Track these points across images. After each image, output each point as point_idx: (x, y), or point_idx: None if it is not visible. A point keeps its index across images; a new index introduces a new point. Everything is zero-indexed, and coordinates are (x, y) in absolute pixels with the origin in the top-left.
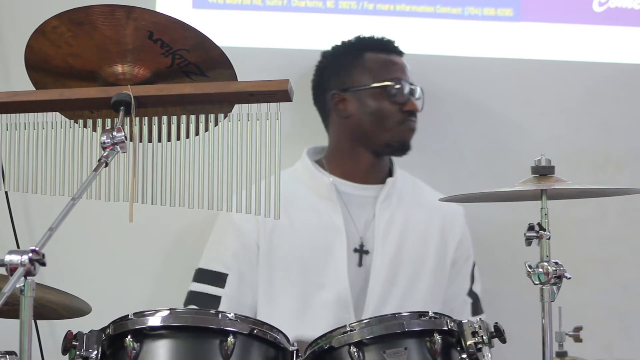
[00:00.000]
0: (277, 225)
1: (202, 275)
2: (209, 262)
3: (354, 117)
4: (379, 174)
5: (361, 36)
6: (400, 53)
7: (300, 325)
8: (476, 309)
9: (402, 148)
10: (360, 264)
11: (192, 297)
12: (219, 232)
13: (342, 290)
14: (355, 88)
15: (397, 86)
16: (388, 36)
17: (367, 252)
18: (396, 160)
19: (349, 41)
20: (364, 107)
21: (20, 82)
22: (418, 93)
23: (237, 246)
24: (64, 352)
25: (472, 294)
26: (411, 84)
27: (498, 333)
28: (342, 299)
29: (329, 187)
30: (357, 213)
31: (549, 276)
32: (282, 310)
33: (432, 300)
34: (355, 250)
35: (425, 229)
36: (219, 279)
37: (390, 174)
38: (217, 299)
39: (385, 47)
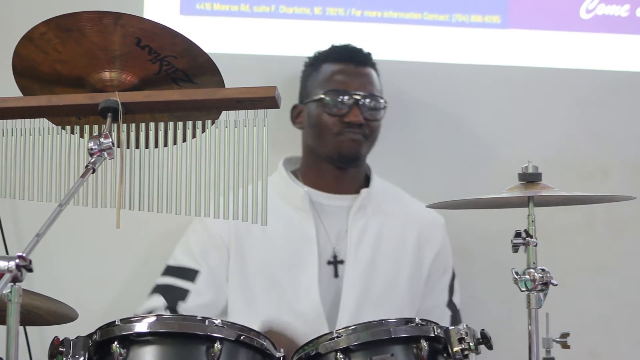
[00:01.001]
0: (250, 232)
1: (171, 271)
2: (178, 259)
3: (304, 129)
4: (351, 184)
5: (334, 45)
6: (359, 62)
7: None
8: (455, 320)
9: (344, 160)
10: (336, 274)
11: (157, 289)
12: (192, 232)
13: (314, 302)
14: (306, 100)
15: (334, 98)
16: (376, 43)
17: (341, 262)
18: (381, 168)
19: (319, 52)
20: (309, 119)
21: (13, 88)
22: (369, 103)
23: (207, 246)
24: (51, 358)
25: (451, 305)
26: (357, 93)
27: (485, 340)
28: (314, 310)
29: (303, 198)
30: (330, 223)
31: (536, 283)
32: (256, 317)
33: (407, 310)
34: (329, 262)
35: (400, 239)
36: (188, 274)
37: (367, 183)
38: (184, 292)
39: (341, 55)
